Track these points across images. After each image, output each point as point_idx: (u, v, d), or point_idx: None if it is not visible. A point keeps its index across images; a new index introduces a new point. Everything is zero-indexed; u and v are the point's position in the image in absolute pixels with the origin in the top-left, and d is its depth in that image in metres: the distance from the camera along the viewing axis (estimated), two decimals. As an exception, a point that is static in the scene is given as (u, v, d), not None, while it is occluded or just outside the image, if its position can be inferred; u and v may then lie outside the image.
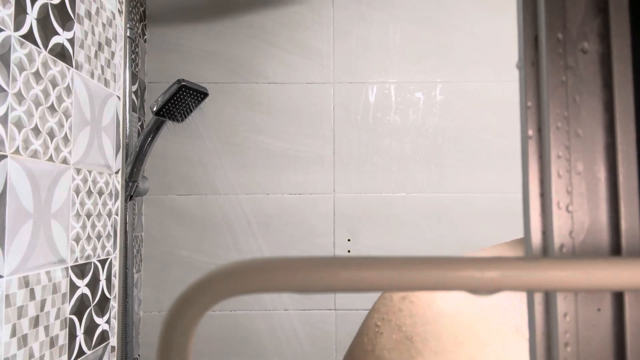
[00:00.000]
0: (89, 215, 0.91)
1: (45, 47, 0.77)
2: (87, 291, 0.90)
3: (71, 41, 0.85)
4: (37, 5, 0.75)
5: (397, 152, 1.43)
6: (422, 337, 0.36)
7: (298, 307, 1.39)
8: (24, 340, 0.72)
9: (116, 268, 1.02)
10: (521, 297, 0.36)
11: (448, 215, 1.42)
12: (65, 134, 0.83)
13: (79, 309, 0.88)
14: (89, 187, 0.91)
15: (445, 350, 0.35)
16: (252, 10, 1.45)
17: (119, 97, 1.03)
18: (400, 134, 1.44)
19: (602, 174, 0.18)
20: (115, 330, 1.02)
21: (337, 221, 1.42)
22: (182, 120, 1.13)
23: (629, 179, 0.18)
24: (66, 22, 0.83)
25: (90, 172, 0.91)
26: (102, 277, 0.96)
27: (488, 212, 1.42)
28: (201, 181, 1.41)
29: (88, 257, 0.91)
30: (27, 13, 0.72)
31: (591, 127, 0.18)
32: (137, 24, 1.35)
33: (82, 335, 0.89)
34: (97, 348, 0.94)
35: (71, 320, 0.85)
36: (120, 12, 1.05)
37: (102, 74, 0.96)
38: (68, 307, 0.84)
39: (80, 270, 0.88)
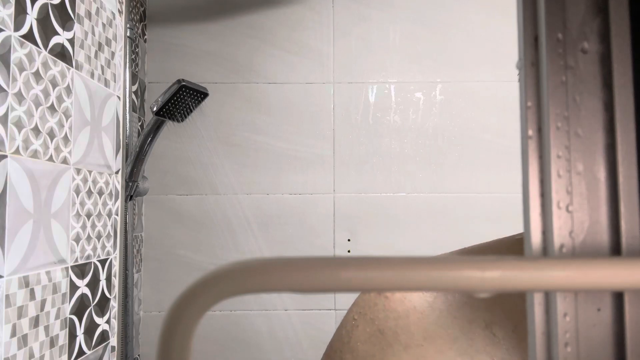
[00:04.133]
0: (89, 215, 0.91)
1: (45, 47, 0.77)
2: (87, 291, 0.90)
3: (71, 41, 0.85)
4: (37, 5, 0.75)
5: (397, 152, 1.43)
6: (393, 331, 0.37)
7: (298, 307, 1.39)
8: (24, 340, 0.72)
9: (116, 268, 1.02)
10: (494, 296, 0.38)
11: (448, 215, 1.42)
12: (65, 134, 0.83)
13: (79, 309, 0.88)
14: (89, 187, 0.91)
15: (415, 344, 0.36)
16: (251, 10, 1.45)
17: (119, 97, 1.03)
18: (400, 134, 1.44)
19: (602, 174, 0.18)
20: (115, 330, 1.02)
21: (337, 221, 1.42)
22: (182, 120, 1.13)
23: (629, 179, 0.18)
24: (66, 22, 0.83)
25: (90, 172, 0.91)
26: (102, 277, 0.96)
27: (488, 212, 1.42)
28: (201, 181, 1.41)
29: (88, 257, 0.91)
30: (27, 13, 0.72)
31: (591, 127, 0.18)
32: (137, 24, 1.35)
33: (82, 335, 0.89)
34: (97, 348, 0.94)
35: (71, 320, 0.85)
36: (120, 12, 1.05)
37: (102, 74, 0.96)
38: (68, 307, 0.84)
39: (80, 270, 0.88)
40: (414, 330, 0.36)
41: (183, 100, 1.08)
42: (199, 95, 1.10)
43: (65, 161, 0.83)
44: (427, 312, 0.37)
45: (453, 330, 0.36)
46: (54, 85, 0.79)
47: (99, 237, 0.95)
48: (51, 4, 0.79)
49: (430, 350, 0.35)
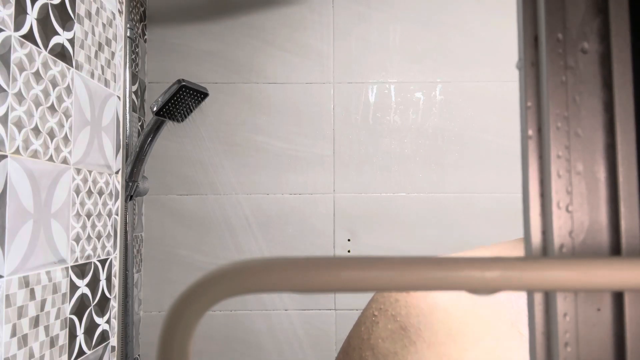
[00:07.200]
0: (89, 215, 0.91)
1: (46, 47, 0.77)
2: (87, 291, 0.90)
3: (71, 41, 0.85)
4: (37, 5, 0.75)
5: (397, 152, 1.43)
6: (416, 328, 0.36)
7: (298, 307, 1.39)
8: (24, 340, 0.72)
9: (116, 268, 1.02)
10: (518, 293, 0.37)
11: (448, 215, 1.42)
12: (66, 134, 0.83)
13: (79, 309, 0.88)
14: (89, 187, 0.91)
15: (438, 341, 0.35)
16: (252, 10, 1.45)
17: (119, 97, 1.04)
18: (400, 134, 1.44)
19: (602, 174, 0.18)
20: (116, 330, 1.02)
21: (337, 221, 1.42)
22: (182, 120, 1.13)
23: (629, 179, 0.18)
24: (66, 22, 0.83)
25: (90, 172, 0.91)
26: (102, 277, 0.96)
27: (488, 212, 1.42)
28: (201, 181, 1.41)
29: (88, 257, 0.91)
30: (27, 13, 0.72)
31: (591, 127, 0.18)
32: (137, 24, 1.35)
33: (82, 335, 0.89)
34: (97, 348, 0.94)
35: (71, 320, 0.85)
36: (120, 12, 1.05)
37: (102, 74, 0.96)
38: (68, 307, 0.84)
39: (81, 270, 0.88)
40: (438, 327, 0.35)
41: (183, 100, 1.08)
42: (199, 95, 1.10)
43: (65, 161, 0.83)
44: (451, 309, 0.36)
45: (478, 329, 0.35)
46: (54, 85, 0.79)
47: (99, 237, 0.95)
48: (51, 4, 0.79)
49: (455, 348, 0.34)
